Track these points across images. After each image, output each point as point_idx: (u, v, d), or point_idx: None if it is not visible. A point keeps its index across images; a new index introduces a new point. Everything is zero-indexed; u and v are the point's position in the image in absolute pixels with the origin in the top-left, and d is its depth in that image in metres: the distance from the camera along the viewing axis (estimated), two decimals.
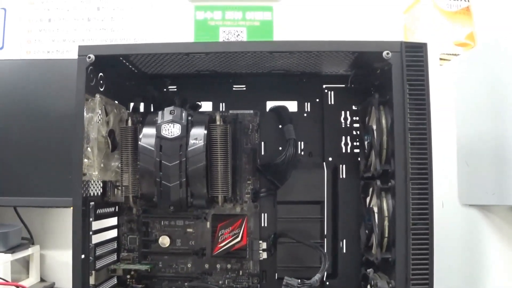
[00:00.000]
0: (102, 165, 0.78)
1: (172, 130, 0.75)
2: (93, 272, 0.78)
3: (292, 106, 0.91)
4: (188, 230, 0.89)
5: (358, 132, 0.89)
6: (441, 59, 1.21)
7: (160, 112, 0.77)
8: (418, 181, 0.67)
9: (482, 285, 0.84)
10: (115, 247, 0.89)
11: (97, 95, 0.77)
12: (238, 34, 1.32)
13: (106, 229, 0.86)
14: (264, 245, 0.88)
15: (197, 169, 0.74)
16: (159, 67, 0.84)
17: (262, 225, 0.89)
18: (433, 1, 1.24)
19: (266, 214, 0.89)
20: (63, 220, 1.22)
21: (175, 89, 0.93)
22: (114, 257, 0.88)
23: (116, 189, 0.87)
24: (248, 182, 0.88)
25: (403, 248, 0.67)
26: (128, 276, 0.89)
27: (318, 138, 0.90)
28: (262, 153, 0.90)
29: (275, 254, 0.88)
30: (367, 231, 0.80)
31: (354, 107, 0.90)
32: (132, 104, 0.90)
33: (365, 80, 0.85)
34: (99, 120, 0.78)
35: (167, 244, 0.88)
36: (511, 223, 0.83)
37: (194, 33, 1.32)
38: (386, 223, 0.73)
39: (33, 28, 1.32)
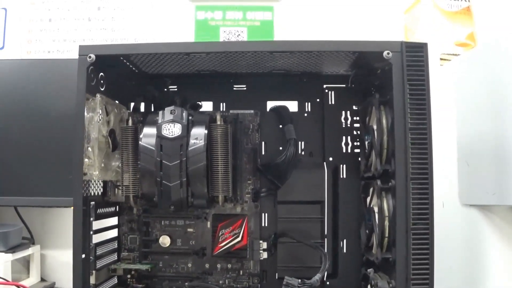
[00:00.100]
0: (102, 164, 0.78)
1: (173, 130, 0.75)
2: (94, 271, 0.78)
3: (292, 106, 0.91)
4: (189, 229, 0.89)
5: (358, 132, 0.89)
6: (441, 59, 1.21)
7: (160, 112, 0.77)
8: (418, 181, 0.67)
9: (482, 285, 0.84)
10: (116, 246, 0.89)
11: (98, 95, 0.77)
12: (239, 34, 1.32)
13: (106, 229, 0.86)
14: (264, 245, 0.88)
15: (198, 168, 0.74)
16: (159, 67, 0.84)
17: (263, 225, 0.89)
18: (434, 1, 1.24)
19: (266, 214, 0.89)
20: (63, 220, 1.22)
21: (176, 89, 0.93)
22: (114, 256, 0.88)
23: (116, 189, 0.87)
24: (249, 182, 0.88)
25: (403, 248, 0.67)
26: (129, 276, 0.89)
27: (318, 138, 0.90)
28: (263, 153, 0.91)
29: (275, 254, 0.88)
30: (367, 231, 0.80)
31: (354, 107, 0.90)
32: (132, 104, 0.90)
33: (365, 80, 0.85)
34: (100, 119, 0.78)
35: (168, 244, 0.88)
36: (511, 223, 0.83)
37: (195, 33, 1.32)
38: (386, 223, 0.73)
39: (33, 28, 1.32)
